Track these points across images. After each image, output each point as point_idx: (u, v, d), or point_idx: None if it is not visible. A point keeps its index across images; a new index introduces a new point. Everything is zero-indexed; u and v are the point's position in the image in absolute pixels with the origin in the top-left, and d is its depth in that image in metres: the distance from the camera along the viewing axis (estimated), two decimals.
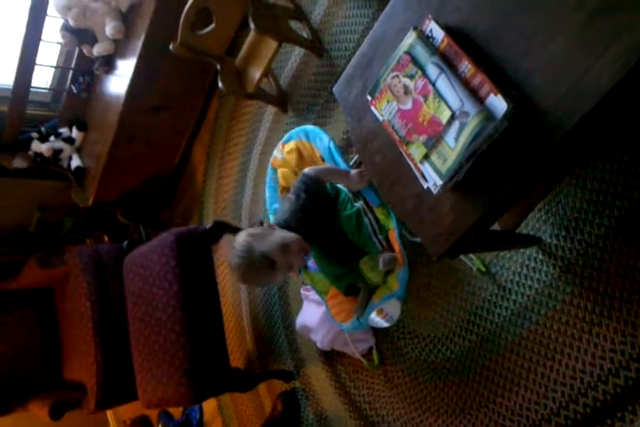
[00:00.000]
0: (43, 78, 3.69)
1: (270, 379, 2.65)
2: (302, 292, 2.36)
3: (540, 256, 1.63)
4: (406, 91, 1.35)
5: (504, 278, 1.72)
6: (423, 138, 1.32)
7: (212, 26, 2.54)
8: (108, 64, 3.27)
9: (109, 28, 3.03)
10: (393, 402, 2.09)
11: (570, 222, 1.55)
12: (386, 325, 1.86)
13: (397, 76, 1.37)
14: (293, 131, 2.08)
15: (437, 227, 1.36)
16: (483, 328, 1.78)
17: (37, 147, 3.59)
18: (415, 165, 1.35)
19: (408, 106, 1.35)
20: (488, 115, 1.18)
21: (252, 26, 2.32)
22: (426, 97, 1.30)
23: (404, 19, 1.42)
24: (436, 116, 1.28)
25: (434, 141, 1.29)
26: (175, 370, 2.35)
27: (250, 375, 2.64)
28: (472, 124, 1.20)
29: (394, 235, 1.77)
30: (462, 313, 1.85)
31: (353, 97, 1.60)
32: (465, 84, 1.23)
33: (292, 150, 2.07)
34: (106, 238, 4.46)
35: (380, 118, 1.44)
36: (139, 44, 2.94)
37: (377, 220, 1.83)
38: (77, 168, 3.66)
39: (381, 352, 2.16)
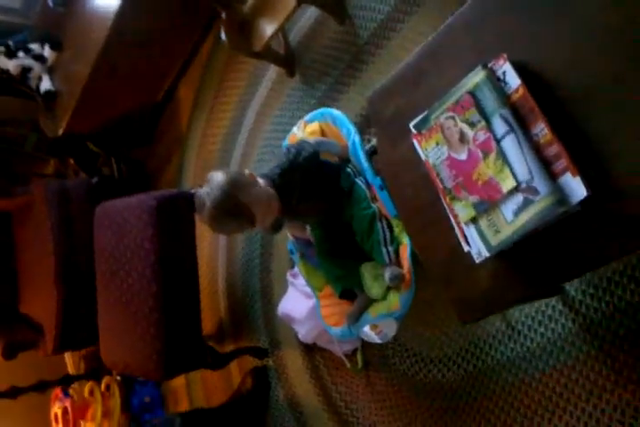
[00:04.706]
0: None
1: (242, 355, 2.57)
2: (289, 278, 2.23)
3: (560, 307, 1.52)
4: (462, 138, 1.17)
5: (515, 319, 1.62)
6: (474, 198, 1.15)
7: None
8: None
9: None
10: (372, 408, 2.04)
11: (601, 282, 1.44)
12: (378, 341, 1.77)
13: (454, 117, 1.18)
14: (318, 112, 1.92)
15: (471, 290, 1.23)
16: (482, 362, 1.70)
17: (4, 63, 3.26)
18: (458, 224, 1.20)
19: (462, 156, 1.17)
20: (561, 198, 1.02)
21: None
22: (486, 154, 1.12)
23: (467, 45, 1.21)
24: (495, 179, 1.11)
25: (486, 207, 1.13)
26: (145, 345, 2.23)
27: (221, 354, 2.55)
28: (541, 204, 1.04)
29: (406, 252, 1.65)
30: (462, 341, 1.76)
31: (390, 114, 1.40)
32: (537, 151, 1.06)
33: (314, 132, 1.92)
34: (72, 162, 4.18)
35: (424, 158, 1.26)
36: None
37: (390, 228, 1.70)
38: (47, 92, 3.33)
39: (366, 356, 2.08)
